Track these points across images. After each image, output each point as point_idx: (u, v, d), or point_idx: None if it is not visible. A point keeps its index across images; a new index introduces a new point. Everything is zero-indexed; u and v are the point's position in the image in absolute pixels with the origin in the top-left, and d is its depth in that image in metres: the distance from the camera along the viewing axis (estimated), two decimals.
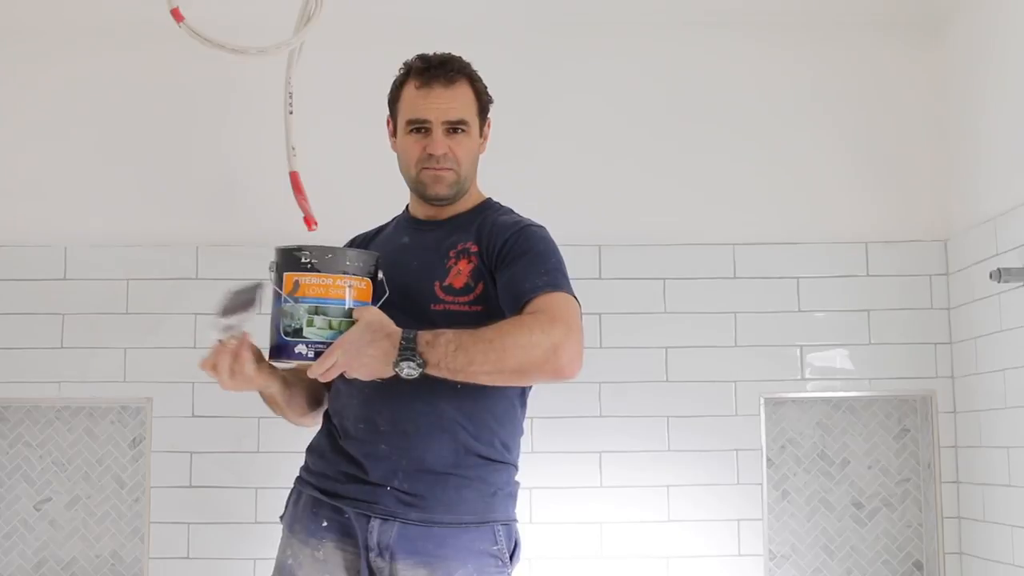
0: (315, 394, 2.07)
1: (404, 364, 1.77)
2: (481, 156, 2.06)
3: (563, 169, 2.96)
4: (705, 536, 2.83)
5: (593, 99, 2.99)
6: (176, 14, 2.36)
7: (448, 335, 1.79)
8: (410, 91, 1.99)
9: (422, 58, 2.01)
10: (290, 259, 1.83)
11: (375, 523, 1.88)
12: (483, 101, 2.04)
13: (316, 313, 1.80)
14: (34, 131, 2.97)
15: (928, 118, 2.99)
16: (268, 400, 2.01)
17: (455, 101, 1.97)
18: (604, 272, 2.92)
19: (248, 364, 1.84)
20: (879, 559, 2.92)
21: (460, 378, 1.80)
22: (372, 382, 1.87)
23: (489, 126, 2.07)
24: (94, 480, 2.92)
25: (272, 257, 1.86)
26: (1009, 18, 2.63)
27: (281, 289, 1.81)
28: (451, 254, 1.97)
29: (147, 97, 2.97)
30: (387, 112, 2.05)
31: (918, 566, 2.92)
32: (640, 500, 2.85)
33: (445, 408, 1.90)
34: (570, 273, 2.92)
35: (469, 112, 2.00)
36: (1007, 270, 2.48)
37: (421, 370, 1.77)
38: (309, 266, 1.82)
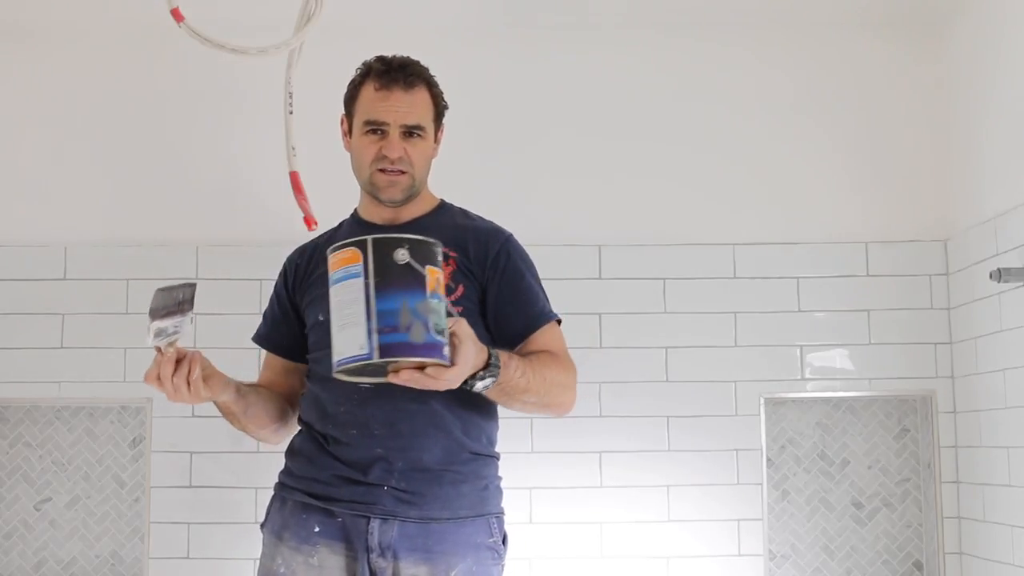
0: (279, 406, 2.07)
1: (488, 379, 1.77)
2: (434, 160, 2.09)
3: (563, 169, 2.96)
4: (705, 536, 2.83)
5: (593, 99, 2.99)
6: (176, 14, 2.36)
7: (516, 359, 1.86)
8: (369, 92, 2.01)
9: (382, 60, 2.03)
10: (430, 252, 1.68)
11: (375, 523, 1.88)
12: (439, 107, 2.06)
13: (448, 312, 1.70)
14: (34, 131, 2.97)
15: (928, 118, 2.99)
16: (224, 412, 2.00)
17: (414, 106, 2.00)
18: (604, 272, 2.92)
19: (195, 374, 1.80)
20: (879, 559, 2.92)
21: (504, 399, 1.87)
22: (360, 387, 1.88)
23: (443, 132, 2.10)
24: (94, 480, 2.92)
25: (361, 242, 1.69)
26: (1010, 18, 2.63)
27: (426, 284, 1.65)
28: None
29: (147, 97, 2.97)
30: (343, 111, 2.08)
31: (918, 566, 2.92)
32: (640, 500, 2.85)
33: (437, 407, 1.92)
34: (570, 273, 2.97)
35: (426, 117, 2.02)
36: (1007, 270, 2.48)
37: (487, 388, 1.80)
38: (445, 260, 1.72)
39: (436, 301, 1.65)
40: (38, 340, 2.87)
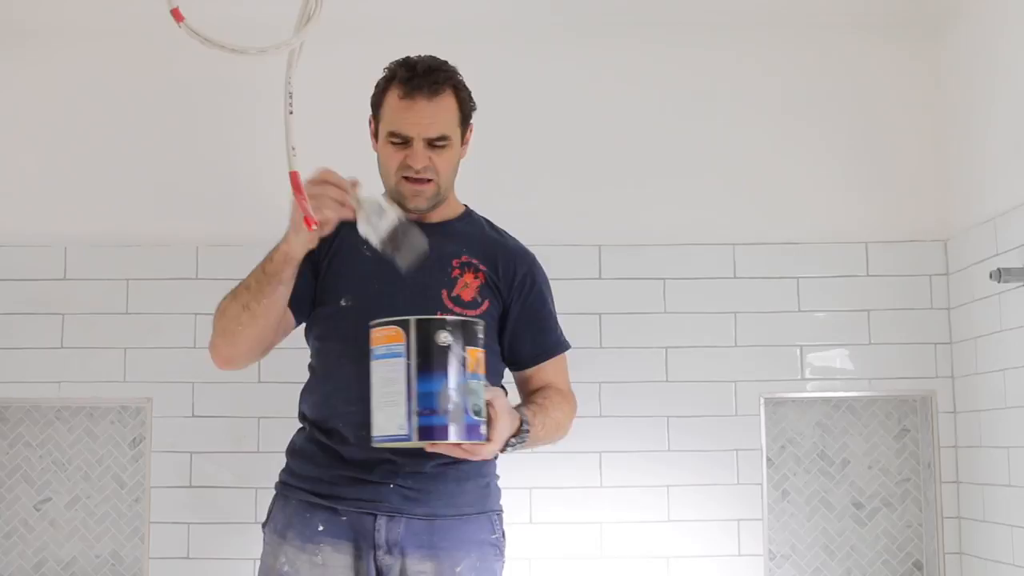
0: (274, 329, 1.98)
1: (519, 444, 1.84)
2: (463, 160, 2.07)
3: (563, 169, 2.96)
4: (705, 536, 2.84)
5: (593, 99, 2.99)
6: (176, 14, 2.35)
7: (539, 415, 1.91)
8: (393, 100, 1.96)
9: (407, 65, 1.98)
10: (471, 333, 1.71)
11: (382, 521, 1.89)
12: (466, 110, 2.02)
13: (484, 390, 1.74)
14: (34, 131, 2.97)
15: (928, 118, 2.99)
16: (265, 279, 1.88)
17: (437, 116, 1.95)
18: (604, 272, 2.92)
19: (334, 220, 1.80)
20: (879, 559, 2.92)
21: (522, 447, 1.89)
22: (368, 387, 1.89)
23: (471, 131, 2.06)
24: (94, 480, 2.92)
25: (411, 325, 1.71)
26: (1009, 19, 2.63)
27: (467, 366, 1.69)
28: (454, 264, 1.99)
29: (147, 97, 2.97)
30: (371, 112, 2.04)
31: (918, 566, 2.92)
32: (640, 500, 2.85)
33: None
34: (570, 273, 2.97)
35: (450, 125, 1.98)
36: (1007, 270, 2.48)
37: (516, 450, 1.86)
38: (482, 341, 1.74)
39: (476, 382, 1.70)
40: (38, 340, 2.87)
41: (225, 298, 1.96)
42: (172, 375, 2.86)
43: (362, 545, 1.89)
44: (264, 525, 2.01)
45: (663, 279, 2.92)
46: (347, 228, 2.04)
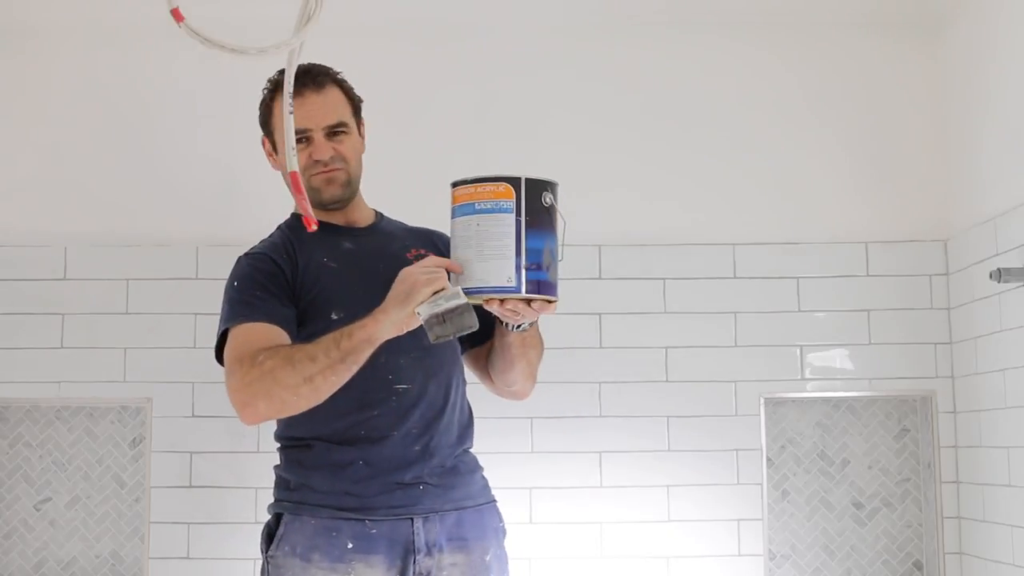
0: None
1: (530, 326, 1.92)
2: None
3: (563, 169, 2.94)
4: (705, 536, 2.84)
5: (593, 100, 2.99)
6: (176, 14, 2.35)
7: None
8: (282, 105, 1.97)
9: (285, 72, 1.99)
10: (557, 195, 1.80)
11: (418, 523, 1.89)
12: (355, 102, 2.06)
13: None
14: (34, 131, 2.97)
15: (928, 118, 2.99)
16: (368, 350, 1.80)
17: (329, 105, 2.00)
18: (604, 272, 2.92)
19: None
20: (879, 559, 2.92)
21: (532, 342, 1.95)
22: (398, 389, 1.91)
23: (364, 125, 2.09)
24: (94, 480, 2.92)
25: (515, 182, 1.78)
26: (1009, 19, 2.63)
27: (556, 227, 1.79)
28: (410, 257, 2.00)
29: (147, 97, 2.97)
30: (280, 132, 2.00)
31: (918, 566, 2.92)
32: (640, 500, 2.85)
33: (456, 401, 2.00)
34: (570, 273, 2.94)
35: (345, 113, 2.02)
36: (1007, 270, 2.48)
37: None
38: None
39: (559, 243, 1.80)
40: (38, 340, 2.87)
41: (270, 357, 1.81)
42: (172, 375, 2.86)
43: (398, 553, 1.87)
44: (272, 549, 1.92)
45: (663, 279, 2.92)
46: (299, 246, 2.02)
